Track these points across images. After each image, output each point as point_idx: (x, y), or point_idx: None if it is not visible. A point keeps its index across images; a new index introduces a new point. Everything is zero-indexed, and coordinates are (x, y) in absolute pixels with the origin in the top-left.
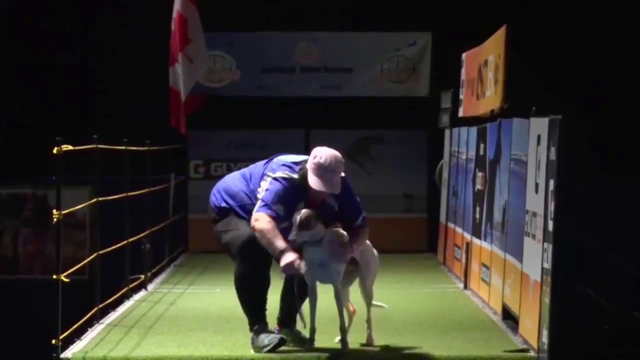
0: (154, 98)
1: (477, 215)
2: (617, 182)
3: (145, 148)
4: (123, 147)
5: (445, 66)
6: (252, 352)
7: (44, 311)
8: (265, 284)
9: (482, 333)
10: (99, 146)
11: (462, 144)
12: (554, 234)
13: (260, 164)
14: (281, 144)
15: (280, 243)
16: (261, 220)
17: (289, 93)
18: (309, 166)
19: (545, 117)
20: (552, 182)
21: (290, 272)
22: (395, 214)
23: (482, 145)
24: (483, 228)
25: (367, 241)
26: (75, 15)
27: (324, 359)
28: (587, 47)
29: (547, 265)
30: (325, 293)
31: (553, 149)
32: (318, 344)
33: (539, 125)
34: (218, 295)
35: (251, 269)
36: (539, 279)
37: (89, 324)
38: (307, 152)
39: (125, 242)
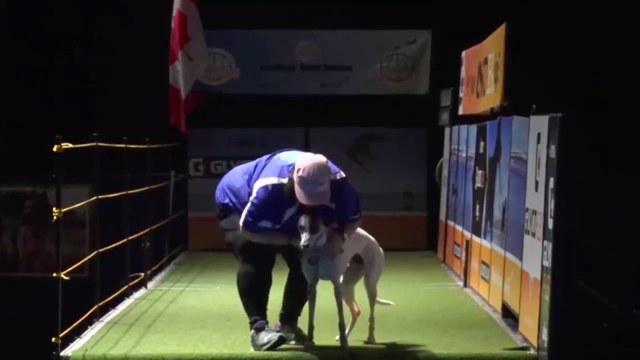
0: (154, 97)
1: (477, 213)
2: (617, 181)
3: (145, 146)
4: (123, 145)
5: (445, 64)
6: (251, 350)
7: (43, 309)
8: (267, 283)
9: (482, 331)
10: (99, 144)
11: (462, 142)
12: (553, 232)
13: (263, 159)
14: (281, 142)
15: (281, 238)
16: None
17: (288, 91)
18: (295, 179)
19: (545, 115)
20: (552, 180)
21: (314, 243)
22: (395, 212)
23: (482, 143)
24: (483, 226)
25: (373, 239)
26: (75, 15)
27: (323, 356)
28: (587, 47)
29: (547, 263)
30: (325, 290)
31: (553, 147)
32: (318, 341)
33: (539, 123)
34: (218, 293)
35: (253, 268)
36: (538, 277)
37: (89, 322)
38: (307, 150)
39: (125, 240)
